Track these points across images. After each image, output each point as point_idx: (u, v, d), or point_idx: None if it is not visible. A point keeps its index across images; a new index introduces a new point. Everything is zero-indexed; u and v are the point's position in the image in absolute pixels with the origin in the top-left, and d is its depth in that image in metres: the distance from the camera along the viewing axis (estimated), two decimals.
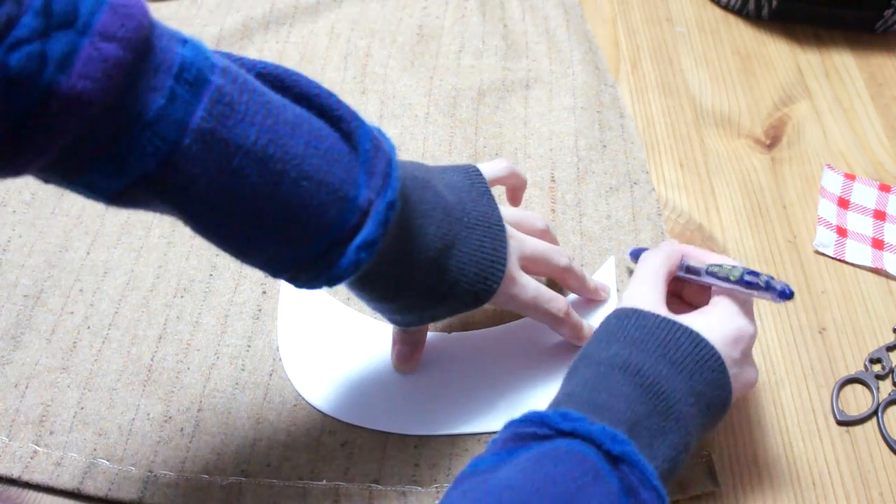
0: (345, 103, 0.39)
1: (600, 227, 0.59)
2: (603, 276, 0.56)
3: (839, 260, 0.58)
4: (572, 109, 0.67)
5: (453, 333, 0.53)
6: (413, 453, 0.48)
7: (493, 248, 0.45)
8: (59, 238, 0.59)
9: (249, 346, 0.53)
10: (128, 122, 0.30)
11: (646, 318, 0.41)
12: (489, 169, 0.50)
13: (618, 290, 0.55)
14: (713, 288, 0.45)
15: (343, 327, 0.54)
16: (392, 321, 0.47)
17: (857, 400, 0.51)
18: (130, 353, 0.53)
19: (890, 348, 0.53)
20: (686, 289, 0.48)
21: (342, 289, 0.55)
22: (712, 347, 0.40)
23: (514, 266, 0.46)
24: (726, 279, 0.43)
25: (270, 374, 0.52)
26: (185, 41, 0.33)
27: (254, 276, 0.57)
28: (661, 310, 0.42)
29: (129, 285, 0.56)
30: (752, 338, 0.43)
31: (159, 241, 0.59)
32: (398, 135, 0.66)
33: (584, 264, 0.57)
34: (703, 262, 0.46)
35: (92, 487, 0.47)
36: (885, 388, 0.52)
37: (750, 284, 0.42)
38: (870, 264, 0.58)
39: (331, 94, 0.38)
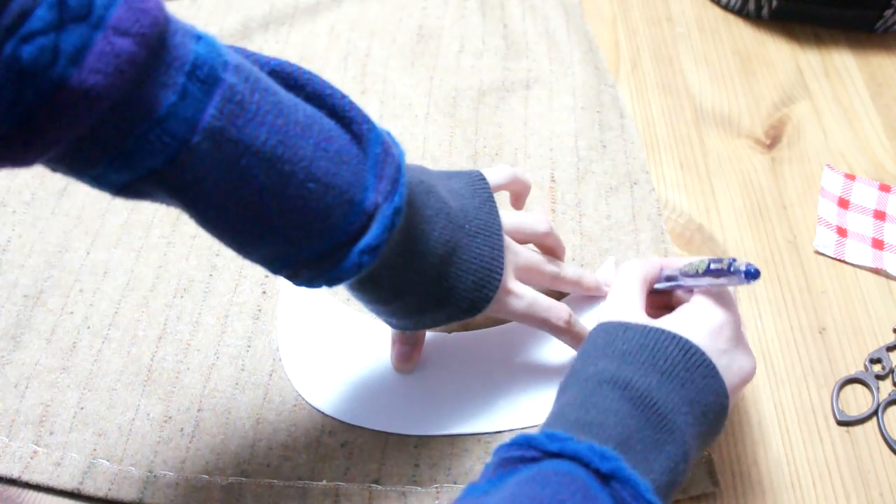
0: (357, 105, 0.38)
1: (600, 227, 0.59)
2: (603, 276, 0.56)
3: (839, 260, 0.58)
4: (572, 109, 0.67)
5: (453, 333, 0.53)
6: (413, 453, 0.48)
7: (492, 257, 0.45)
8: (59, 238, 0.59)
9: (249, 346, 0.53)
10: (138, 117, 0.30)
11: (632, 330, 0.40)
12: (493, 175, 0.50)
13: None
14: (694, 291, 0.44)
15: (343, 327, 0.54)
16: (389, 324, 0.47)
17: (857, 400, 0.51)
18: (130, 353, 0.53)
19: (890, 348, 0.53)
20: (673, 300, 0.47)
21: (342, 289, 0.55)
22: (702, 353, 0.39)
23: (509, 277, 0.46)
24: (696, 274, 0.42)
25: (270, 374, 0.52)
26: (199, 37, 0.33)
27: (254, 276, 0.57)
28: (643, 318, 0.41)
29: (129, 285, 0.56)
30: (734, 324, 0.41)
31: (159, 241, 0.58)
32: (398, 135, 0.65)
33: (583, 264, 0.57)
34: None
35: (92, 487, 0.47)
36: (885, 388, 0.52)
37: (716, 271, 0.41)
38: (870, 264, 0.58)
39: (343, 96, 0.38)
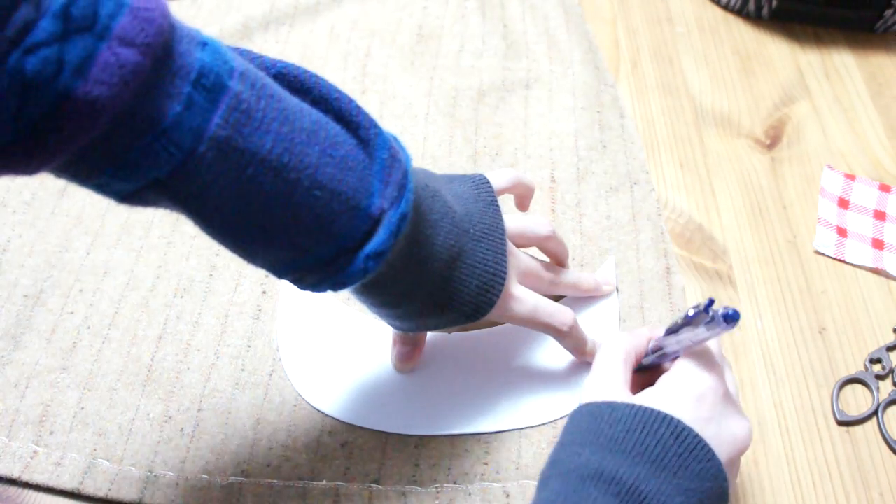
0: (364, 110, 0.38)
1: (600, 227, 0.59)
2: (602, 276, 0.56)
3: (839, 260, 0.58)
4: (572, 109, 0.67)
5: (453, 333, 0.53)
6: (413, 453, 0.48)
7: (496, 261, 0.45)
8: (59, 238, 0.59)
9: (249, 346, 0.53)
10: (143, 128, 0.30)
11: (618, 411, 0.36)
12: (496, 179, 0.49)
13: (617, 290, 0.55)
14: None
15: (343, 327, 0.54)
16: (392, 326, 0.47)
17: (857, 400, 0.51)
18: (130, 353, 0.53)
19: (890, 348, 0.53)
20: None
21: (343, 290, 0.55)
22: (695, 435, 0.35)
23: (512, 281, 0.46)
24: (677, 328, 0.39)
25: (270, 374, 0.52)
26: (204, 44, 0.32)
27: (254, 276, 0.57)
28: (628, 396, 0.38)
29: (129, 285, 0.56)
30: (719, 388, 0.38)
31: (159, 241, 0.58)
32: (398, 135, 0.65)
33: (583, 264, 0.57)
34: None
35: (92, 487, 0.47)
36: (885, 388, 0.52)
37: (694, 317, 0.37)
38: (870, 264, 0.58)
39: (351, 100, 0.38)
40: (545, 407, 0.50)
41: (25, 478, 0.47)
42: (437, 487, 0.47)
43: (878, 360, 0.53)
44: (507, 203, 0.55)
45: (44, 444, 0.48)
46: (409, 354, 0.50)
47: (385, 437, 0.49)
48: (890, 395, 0.51)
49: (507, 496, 0.46)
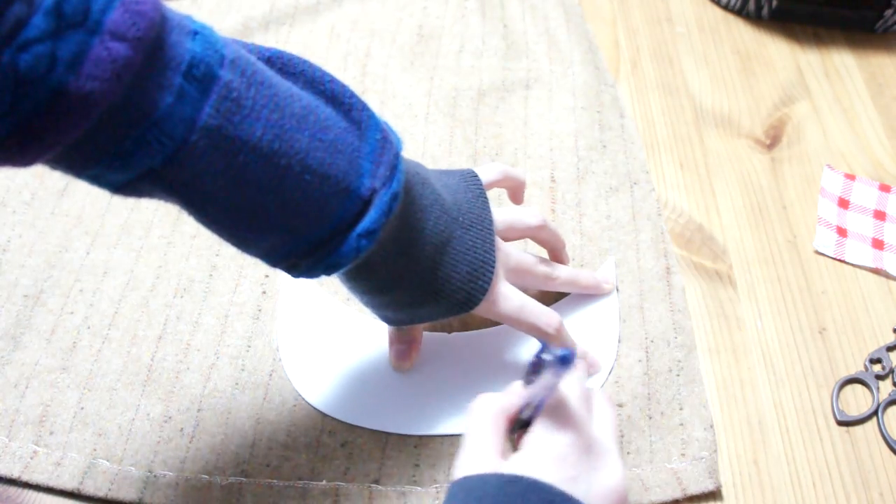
0: (356, 94, 0.39)
1: (600, 227, 0.59)
2: (602, 276, 0.56)
3: (839, 260, 0.58)
4: (572, 109, 0.67)
5: (453, 333, 0.53)
6: (413, 453, 0.48)
7: (485, 250, 0.45)
8: (59, 238, 0.59)
9: (249, 346, 0.53)
10: (136, 120, 0.30)
11: (490, 485, 0.34)
12: (484, 173, 0.50)
13: (617, 289, 0.55)
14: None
15: (343, 327, 0.54)
16: (384, 319, 0.47)
17: (857, 400, 0.51)
18: (130, 353, 0.53)
19: (890, 348, 0.53)
20: None
21: (342, 289, 0.55)
22: (568, 497, 0.33)
23: (499, 277, 0.46)
24: (529, 381, 0.37)
25: (270, 374, 0.52)
26: (196, 32, 0.32)
27: (254, 277, 0.57)
28: (498, 464, 0.35)
29: (129, 285, 0.56)
30: (576, 444, 0.36)
31: (159, 241, 0.58)
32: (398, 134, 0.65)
33: (583, 264, 0.57)
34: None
35: (92, 487, 0.47)
36: (885, 388, 0.52)
37: (535, 365, 0.35)
38: (870, 264, 0.58)
39: (343, 84, 0.39)
40: None
41: (25, 478, 0.47)
42: (437, 487, 0.47)
43: (878, 360, 0.53)
44: (499, 201, 0.56)
45: (44, 444, 0.48)
46: (405, 353, 0.50)
47: (385, 437, 0.49)
48: (890, 395, 0.51)
49: None
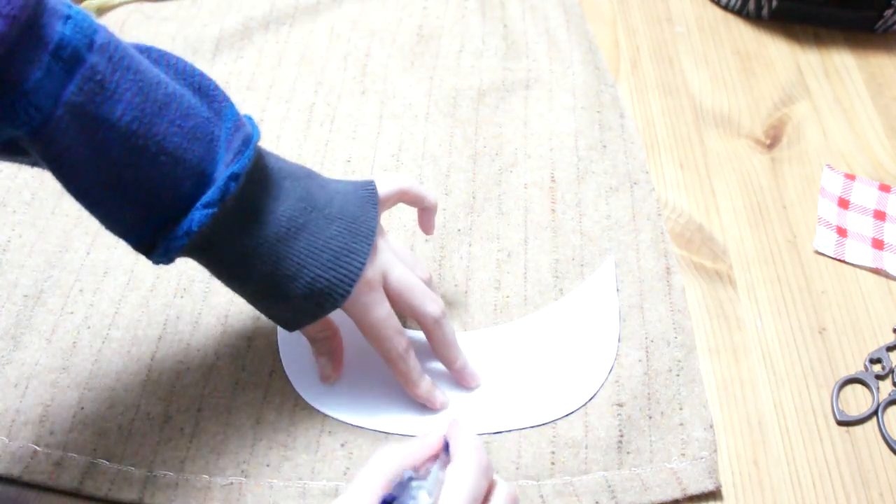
0: (220, 87, 0.42)
1: (600, 227, 0.59)
2: (602, 276, 0.56)
3: (839, 260, 0.58)
4: (572, 109, 0.67)
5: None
6: None
7: (354, 241, 0.45)
8: (59, 238, 0.59)
9: (249, 346, 0.53)
10: (8, 88, 0.34)
11: None
12: (383, 184, 0.49)
13: (617, 290, 0.55)
14: None
15: (343, 327, 0.54)
16: (274, 320, 0.47)
17: (857, 400, 0.51)
18: (130, 353, 0.53)
19: (890, 348, 0.53)
20: None
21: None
22: None
23: (375, 274, 0.46)
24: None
25: (270, 374, 0.52)
26: (68, 17, 0.35)
27: None
28: None
29: (129, 285, 0.56)
30: None
31: None
32: (398, 135, 0.66)
33: (583, 264, 0.57)
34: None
35: (92, 487, 0.47)
36: (885, 388, 0.52)
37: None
38: (870, 264, 0.58)
39: (210, 79, 0.42)
40: (545, 407, 0.50)
41: (25, 478, 0.47)
42: None
43: (878, 360, 0.53)
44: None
45: (44, 444, 0.48)
46: (327, 366, 0.50)
47: (385, 438, 0.49)
48: (890, 395, 0.51)
49: None
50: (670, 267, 0.57)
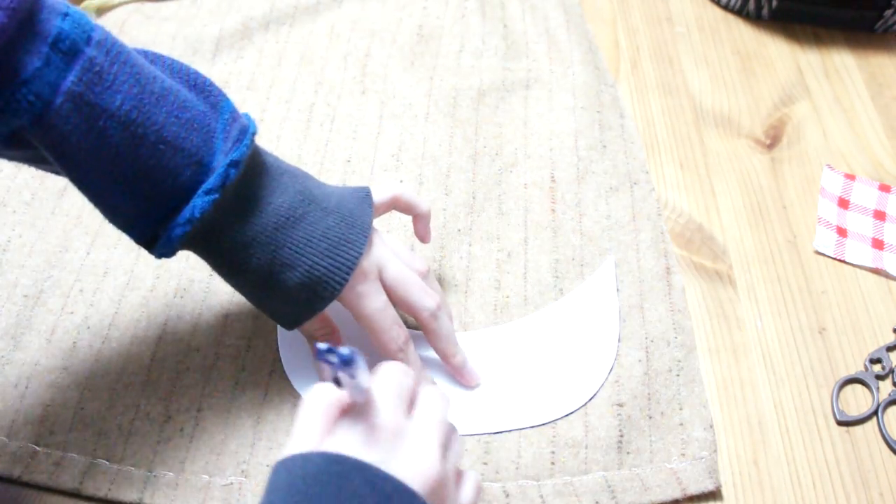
0: (216, 84, 0.44)
1: (600, 227, 0.59)
2: (602, 276, 0.56)
3: (839, 260, 0.58)
4: (572, 109, 0.67)
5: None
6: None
7: (350, 232, 0.46)
8: (59, 238, 0.59)
9: (249, 346, 0.53)
10: (8, 78, 0.35)
11: (311, 462, 0.34)
12: (378, 191, 0.50)
13: (617, 290, 0.55)
14: None
15: (343, 328, 0.54)
16: (273, 316, 0.47)
17: (857, 400, 0.51)
18: (130, 353, 0.53)
19: (890, 348, 0.53)
20: None
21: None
22: (393, 480, 0.33)
23: (371, 266, 0.46)
24: (334, 379, 0.36)
25: (270, 374, 0.52)
26: (66, 14, 0.37)
27: None
28: (320, 445, 0.35)
29: (129, 285, 0.56)
30: (382, 428, 0.35)
31: None
32: (398, 135, 0.66)
33: (583, 264, 0.57)
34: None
35: (92, 487, 0.47)
36: (885, 388, 0.52)
37: (325, 366, 0.34)
38: (870, 264, 0.58)
39: (205, 76, 0.44)
40: (545, 407, 0.50)
41: (25, 478, 0.47)
42: None
43: (878, 360, 0.53)
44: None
45: (44, 444, 0.48)
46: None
47: None
48: (890, 395, 0.51)
49: (507, 496, 0.46)
50: (670, 267, 0.57)
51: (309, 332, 0.49)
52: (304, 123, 0.66)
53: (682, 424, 0.49)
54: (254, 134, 0.44)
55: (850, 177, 0.63)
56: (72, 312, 0.55)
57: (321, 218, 0.45)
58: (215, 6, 0.76)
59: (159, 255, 0.42)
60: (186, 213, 0.41)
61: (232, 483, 0.47)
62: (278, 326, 0.54)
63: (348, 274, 0.45)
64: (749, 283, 0.57)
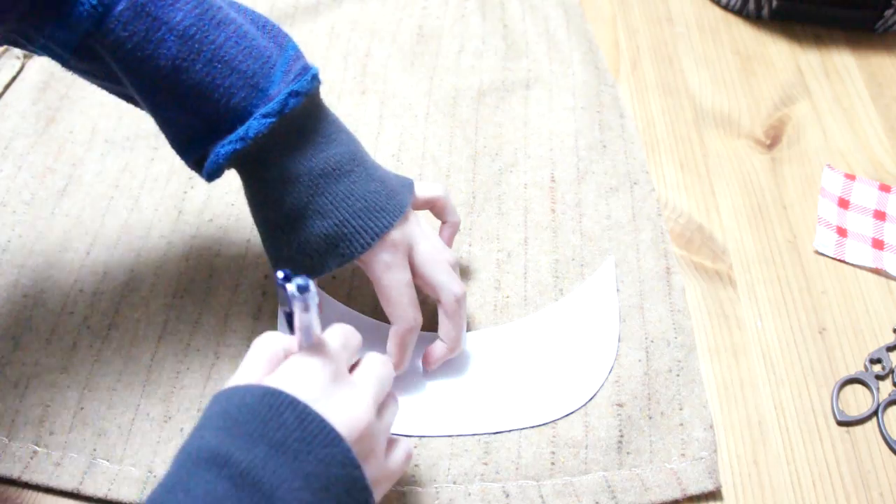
0: (283, 30, 0.46)
1: (600, 227, 0.59)
2: (602, 276, 0.56)
3: (839, 260, 0.58)
4: (572, 109, 0.67)
5: None
6: (413, 453, 0.48)
7: (388, 203, 0.46)
8: (59, 238, 0.59)
9: (249, 347, 0.53)
10: None
11: (248, 394, 0.35)
12: (423, 188, 0.51)
13: (617, 290, 0.55)
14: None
15: None
16: (289, 264, 0.47)
17: (857, 400, 0.51)
18: (130, 353, 0.53)
19: (890, 348, 0.53)
20: None
21: (341, 289, 0.55)
22: (322, 421, 0.35)
23: (402, 239, 0.47)
24: (290, 313, 0.37)
25: None
26: None
27: (254, 277, 0.57)
28: (265, 381, 0.37)
29: (129, 285, 0.56)
30: (321, 370, 0.37)
31: (159, 241, 0.59)
32: (398, 135, 0.66)
33: (583, 264, 0.57)
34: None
35: (92, 487, 0.47)
36: (885, 388, 0.52)
37: (281, 294, 0.36)
38: (870, 264, 0.58)
39: (273, 22, 0.46)
40: (545, 407, 0.50)
41: (25, 478, 0.47)
42: (436, 487, 0.47)
43: (878, 360, 0.53)
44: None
45: (44, 444, 0.48)
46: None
47: None
48: (890, 395, 0.51)
49: (507, 496, 0.46)
50: (670, 267, 0.57)
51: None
52: None
53: (682, 424, 0.49)
54: (316, 76, 0.45)
55: (850, 177, 0.63)
56: (72, 312, 0.55)
57: (364, 181, 0.46)
58: None
59: (208, 174, 0.44)
60: (241, 131, 0.42)
61: None
62: (279, 325, 0.54)
63: (373, 239, 0.46)
64: (749, 283, 0.57)
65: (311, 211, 0.45)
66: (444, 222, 0.54)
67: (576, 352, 0.53)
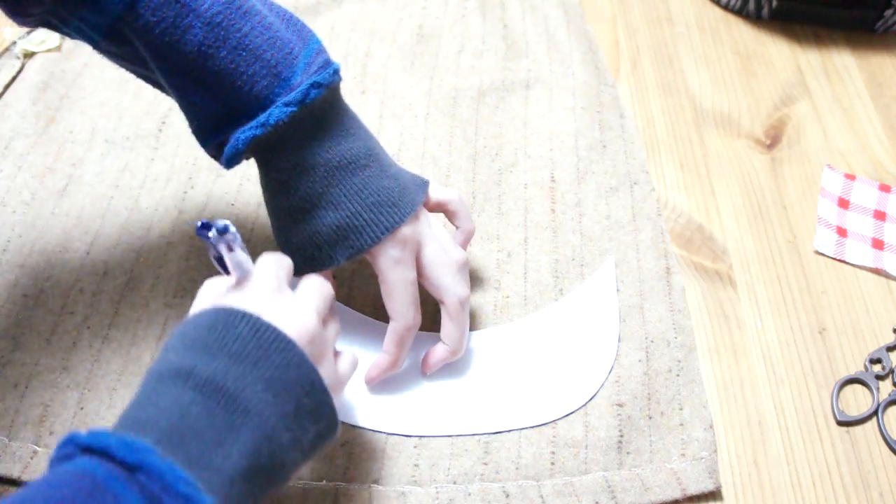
0: (307, 26, 0.47)
1: (600, 227, 0.59)
2: (602, 276, 0.56)
3: (839, 260, 0.58)
4: (572, 109, 0.67)
5: None
6: (413, 453, 0.48)
7: (400, 200, 0.47)
8: (59, 238, 0.59)
9: None
10: None
11: (205, 315, 0.38)
12: (437, 190, 0.52)
13: (617, 290, 0.55)
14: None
15: (343, 327, 0.54)
16: (296, 254, 0.47)
17: (857, 400, 0.51)
18: (130, 353, 0.53)
19: (890, 348, 0.53)
20: None
21: (341, 289, 0.55)
22: (275, 329, 0.37)
23: (411, 237, 0.47)
24: (219, 257, 0.40)
25: None
26: None
27: None
28: (221, 301, 0.40)
29: (129, 285, 0.56)
30: (264, 286, 0.40)
31: (159, 241, 0.59)
32: (398, 135, 0.66)
33: (583, 264, 0.57)
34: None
35: None
36: (885, 388, 0.52)
37: (205, 242, 0.39)
38: (870, 264, 0.58)
39: (298, 18, 0.47)
40: (545, 407, 0.50)
41: (25, 478, 0.47)
42: (436, 487, 0.47)
43: (878, 361, 0.53)
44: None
45: (44, 444, 0.48)
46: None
47: (385, 437, 0.49)
48: (890, 395, 0.51)
49: (507, 496, 0.46)
50: (670, 267, 0.57)
51: None
52: None
53: (682, 424, 0.49)
54: (338, 71, 0.46)
55: (850, 177, 0.63)
56: (72, 312, 0.55)
57: (379, 176, 0.47)
58: None
59: (227, 160, 0.45)
60: (262, 118, 0.43)
61: None
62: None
63: (383, 233, 0.46)
64: (749, 283, 0.57)
65: (325, 201, 0.46)
66: (457, 228, 0.54)
67: (576, 352, 0.53)
